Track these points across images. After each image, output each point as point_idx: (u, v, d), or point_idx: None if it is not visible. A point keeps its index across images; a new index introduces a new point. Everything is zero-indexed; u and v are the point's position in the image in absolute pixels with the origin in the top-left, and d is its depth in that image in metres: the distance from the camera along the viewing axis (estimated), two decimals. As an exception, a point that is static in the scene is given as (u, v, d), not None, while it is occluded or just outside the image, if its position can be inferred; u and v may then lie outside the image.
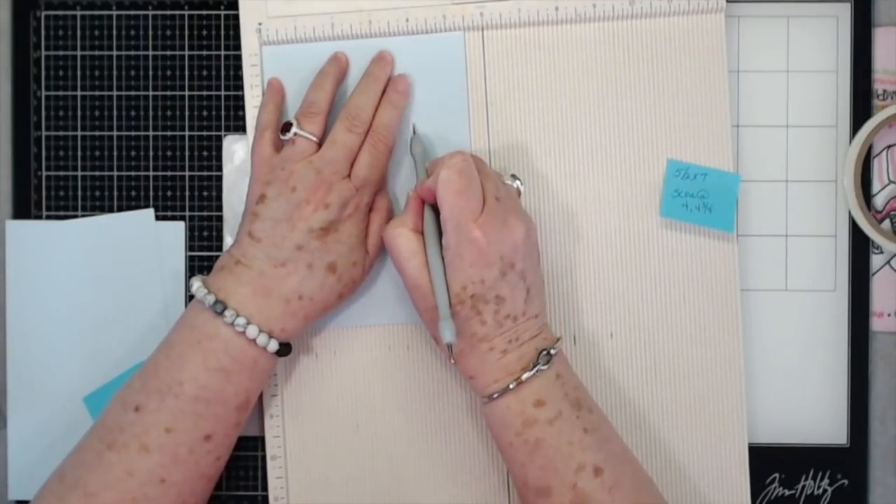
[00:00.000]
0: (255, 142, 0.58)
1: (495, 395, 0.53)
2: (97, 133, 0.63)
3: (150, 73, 0.63)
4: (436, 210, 0.55)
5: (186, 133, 0.63)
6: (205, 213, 0.63)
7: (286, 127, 0.57)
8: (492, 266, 0.53)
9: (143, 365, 0.55)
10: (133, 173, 0.63)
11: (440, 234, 0.54)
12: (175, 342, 0.55)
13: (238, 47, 0.62)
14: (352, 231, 0.56)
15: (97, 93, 0.63)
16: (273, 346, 0.55)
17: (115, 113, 0.63)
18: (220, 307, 0.54)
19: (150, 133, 0.63)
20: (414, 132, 0.60)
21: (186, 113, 0.63)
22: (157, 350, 0.55)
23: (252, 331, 0.54)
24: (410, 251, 0.54)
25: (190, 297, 0.61)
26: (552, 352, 0.54)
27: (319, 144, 0.57)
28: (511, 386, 0.53)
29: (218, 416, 0.54)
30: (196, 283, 0.55)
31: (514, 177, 0.58)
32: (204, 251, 0.63)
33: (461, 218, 0.52)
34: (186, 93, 0.63)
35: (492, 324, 0.53)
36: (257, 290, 0.54)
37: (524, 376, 0.53)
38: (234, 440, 0.56)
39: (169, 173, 0.63)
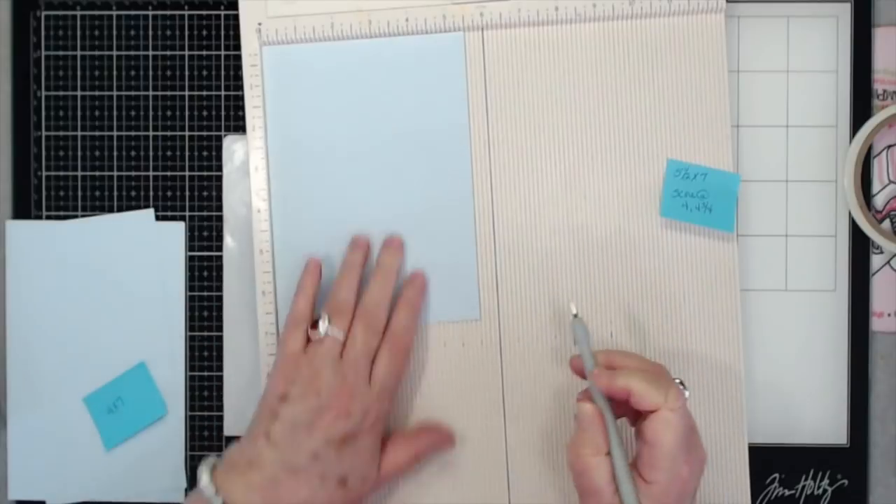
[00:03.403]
0: (287, 333, 0.56)
1: None
2: (97, 133, 0.63)
3: (150, 73, 0.63)
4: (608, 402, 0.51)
5: (186, 133, 0.63)
6: (205, 213, 0.63)
7: (316, 324, 0.56)
8: (685, 499, 0.51)
9: None
10: (133, 173, 0.63)
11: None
12: None
13: (238, 47, 0.62)
14: (368, 445, 0.55)
15: (97, 93, 0.63)
16: None
17: (115, 113, 0.63)
18: None
19: (150, 133, 0.63)
20: (575, 315, 0.55)
21: (186, 113, 0.63)
22: None
23: None
24: (608, 479, 0.50)
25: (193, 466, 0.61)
26: None
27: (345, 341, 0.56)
28: None
29: None
30: (205, 477, 0.53)
31: (682, 384, 0.53)
32: (204, 251, 0.63)
33: (678, 461, 0.50)
34: (186, 93, 0.63)
35: None
36: (267, 497, 0.52)
37: None
38: None
39: (169, 173, 0.63)
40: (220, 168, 0.63)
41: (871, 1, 0.62)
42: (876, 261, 0.62)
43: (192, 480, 0.63)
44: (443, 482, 0.61)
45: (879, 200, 0.62)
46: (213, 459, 0.54)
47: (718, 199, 0.60)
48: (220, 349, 0.63)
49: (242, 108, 0.62)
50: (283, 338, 0.57)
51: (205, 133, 0.63)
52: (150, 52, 0.63)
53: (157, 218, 0.63)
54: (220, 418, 0.63)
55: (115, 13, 0.63)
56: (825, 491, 0.62)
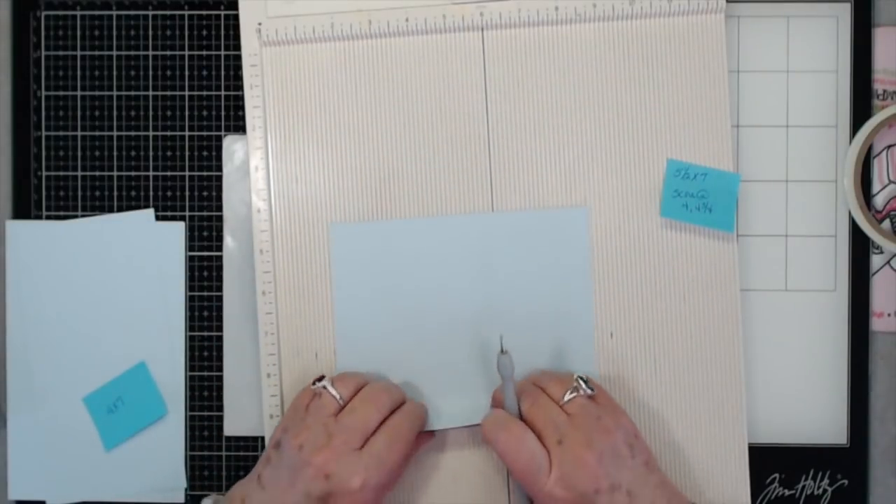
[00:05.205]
0: (304, 390, 0.56)
1: None
2: (97, 133, 0.63)
3: (150, 73, 0.63)
4: None
5: (186, 133, 0.63)
6: (205, 213, 0.63)
7: (318, 379, 0.56)
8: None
9: None
10: (133, 173, 0.63)
11: None
12: None
13: (238, 47, 0.62)
14: None
15: (97, 93, 0.63)
16: None
17: (115, 113, 0.63)
18: None
19: (150, 133, 0.63)
20: (502, 350, 0.55)
21: (186, 113, 0.63)
22: None
23: None
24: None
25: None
26: None
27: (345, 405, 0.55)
28: None
29: None
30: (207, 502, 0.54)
31: (580, 379, 0.55)
32: (204, 251, 0.63)
33: (533, 485, 0.52)
34: (186, 93, 0.63)
35: None
36: None
37: None
38: None
39: (169, 173, 0.63)
40: (220, 168, 0.63)
41: (871, 1, 0.62)
42: (876, 261, 0.62)
43: (192, 481, 0.63)
44: (444, 482, 0.61)
45: (879, 200, 0.62)
46: (216, 496, 0.55)
47: (718, 199, 0.60)
48: (220, 349, 0.63)
49: (242, 108, 0.62)
50: (300, 392, 0.57)
51: (205, 133, 0.63)
52: (150, 52, 0.63)
53: (157, 218, 0.63)
54: (220, 418, 0.63)
55: (115, 13, 0.63)
56: (825, 491, 0.62)
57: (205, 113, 0.63)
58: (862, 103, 0.62)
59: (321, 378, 0.55)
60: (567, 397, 0.54)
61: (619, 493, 0.52)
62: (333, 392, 0.55)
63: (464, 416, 0.60)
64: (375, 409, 0.54)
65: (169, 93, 0.63)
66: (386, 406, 0.55)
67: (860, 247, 0.62)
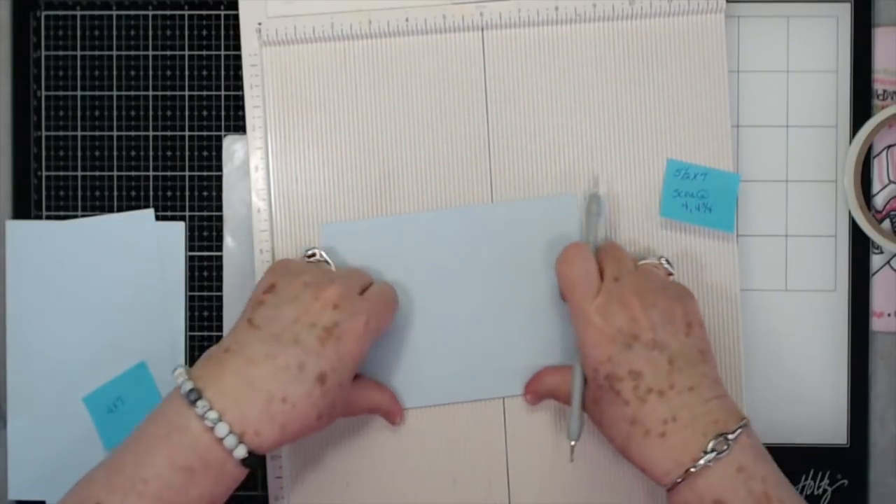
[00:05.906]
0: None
1: (669, 488, 0.48)
2: (97, 133, 0.63)
3: (150, 73, 0.63)
4: None
5: (186, 133, 0.63)
6: (205, 213, 0.63)
7: (309, 249, 0.58)
8: (614, 342, 0.51)
9: (110, 456, 0.50)
10: (133, 173, 0.63)
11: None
12: (144, 435, 0.49)
13: (238, 47, 0.62)
14: (352, 350, 0.51)
15: (97, 93, 0.63)
16: (241, 451, 0.48)
17: (115, 113, 0.63)
18: (193, 396, 0.48)
19: (150, 133, 0.63)
20: (596, 185, 0.59)
21: (186, 113, 0.63)
22: (126, 442, 0.50)
23: (221, 429, 0.48)
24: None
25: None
26: (730, 437, 0.48)
27: None
28: (679, 479, 0.48)
29: None
30: (178, 369, 0.50)
31: (661, 258, 0.57)
32: (204, 251, 0.63)
33: (576, 305, 0.53)
34: (186, 93, 0.63)
35: (635, 401, 0.49)
36: (241, 380, 0.49)
37: (693, 468, 0.47)
38: None
39: (169, 173, 0.63)
40: (220, 168, 0.63)
41: (871, 1, 0.62)
42: (876, 261, 0.62)
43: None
44: (445, 481, 0.61)
45: (879, 200, 0.62)
46: (184, 367, 0.51)
47: (718, 199, 0.60)
48: (220, 349, 0.63)
49: (242, 108, 0.62)
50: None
51: (205, 133, 0.63)
52: (150, 52, 0.63)
53: (157, 218, 0.63)
54: (220, 418, 0.63)
55: (115, 13, 0.63)
56: (825, 491, 0.62)
57: (205, 113, 0.63)
58: (862, 103, 0.62)
59: (312, 249, 0.58)
60: (644, 261, 0.56)
61: (660, 355, 0.50)
62: (327, 258, 0.57)
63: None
64: (361, 273, 0.56)
65: (169, 93, 0.63)
66: (368, 278, 0.57)
67: (860, 247, 0.62)
